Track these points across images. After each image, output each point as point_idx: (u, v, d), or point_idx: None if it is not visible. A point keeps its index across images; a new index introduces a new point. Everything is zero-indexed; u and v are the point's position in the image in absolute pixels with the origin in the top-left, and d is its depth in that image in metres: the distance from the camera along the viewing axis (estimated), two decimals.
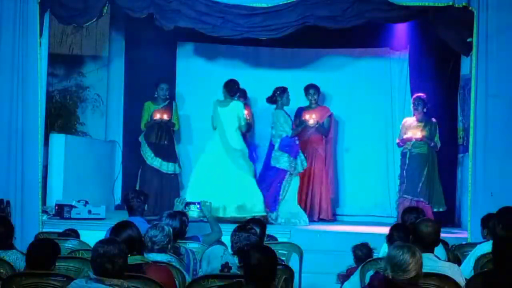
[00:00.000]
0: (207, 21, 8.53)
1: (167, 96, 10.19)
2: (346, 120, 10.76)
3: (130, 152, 10.71)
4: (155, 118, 10.07)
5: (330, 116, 10.19)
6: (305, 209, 9.87)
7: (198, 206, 7.43)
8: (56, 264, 4.99)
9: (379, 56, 10.80)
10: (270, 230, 7.06)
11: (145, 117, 10.16)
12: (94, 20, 8.68)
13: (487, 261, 5.40)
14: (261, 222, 6.25)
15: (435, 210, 9.27)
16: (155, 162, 10.16)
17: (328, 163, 10.35)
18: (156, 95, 10.19)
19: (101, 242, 4.25)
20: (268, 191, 9.33)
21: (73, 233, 6.94)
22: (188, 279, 5.19)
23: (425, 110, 9.37)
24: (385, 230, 6.26)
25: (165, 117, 10.08)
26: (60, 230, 7.15)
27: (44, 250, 4.90)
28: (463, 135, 9.59)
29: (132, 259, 4.59)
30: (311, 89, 10.04)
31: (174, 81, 11.00)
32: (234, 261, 5.30)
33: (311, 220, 9.79)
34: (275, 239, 7.29)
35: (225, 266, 5.14)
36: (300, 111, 10.09)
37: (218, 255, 5.39)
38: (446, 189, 9.56)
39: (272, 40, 9.05)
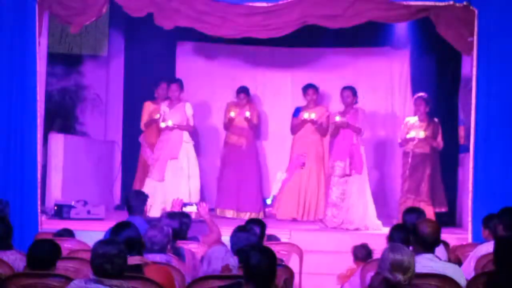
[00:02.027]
0: (207, 21, 8.51)
1: (168, 96, 10.14)
2: None
3: (130, 152, 10.70)
4: (154, 117, 10.05)
5: (329, 115, 10.18)
6: (303, 209, 9.88)
7: (195, 207, 7.41)
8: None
9: (380, 55, 10.79)
10: (270, 230, 7.04)
11: (144, 117, 10.14)
12: (93, 19, 8.66)
13: (488, 262, 5.38)
14: (261, 222, 6.24)
15: (436, 210, 9.25)
16: None
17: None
18: (156, 95, 10.17)
19: (100, 243, 4.25)
20: None
21: (66, 233, 6.93)
22: (188, 279, 5.18)
23: (427, 109, 9.36)
24: (386, 230, 6.25)
25: None
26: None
27: (46, 250, 4.91)
28: (464, 134, 9.58)
29: (132, 260, 4.58)
30: (310, 89, 10.02)
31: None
32: (235, 263, 5.28)
33: (309, 220, 9.81)
34: (278, 239, 7.27)
35: (226, 268, 5.13)
36: (297, 111, 10.07)
37: (220, 256, 5.37)
38: (447, 189, 9.55)
39: (272, 40, 9.04)
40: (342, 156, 9.22)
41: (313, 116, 9.89)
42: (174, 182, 9.56)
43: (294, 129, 10.04)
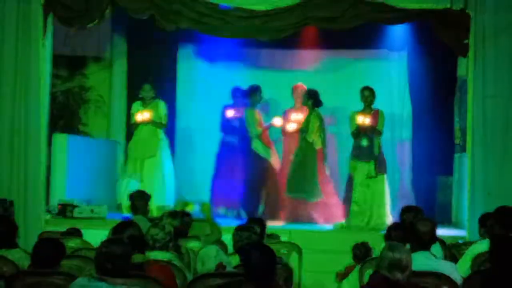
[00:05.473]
0: (208, 23, 8.59)
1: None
2: (345, 121, 10.78)
3: None
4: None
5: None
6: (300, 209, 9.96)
7: (197, 206, 7.48)
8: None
9: (378, 57, 10.83)
10: (270, 229, 7.10)
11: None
12: (96, 21, 8.74)
13: (484, 260, 5.43)
14: (261, 221, 6.31)
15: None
16: None
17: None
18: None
19: (106, 242, 4.30)
20: None
21: (75, 232, 7.02)
22: (189, 277, 5.25)
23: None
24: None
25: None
26: (63, 230, 7.21)
27: (50, 249, 4.93)
28: (459, 135, 9.66)
29: (134, 258, 4.65)
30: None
31: (175, 82, 11.07)
32: (228, 260, 5.36)
33: (308, 219, 9.87)
34: (278, 237, 7.33)
35: (220, 266, 5.21)
36: (286, 113, 10.18)
37: (212, 256, 5.45)
38: (444, 188, 9.63)
39: (273, 42, 9.10)
40: (365, 157, 9.18)
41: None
42: (151, 180, 9.64)
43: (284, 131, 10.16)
